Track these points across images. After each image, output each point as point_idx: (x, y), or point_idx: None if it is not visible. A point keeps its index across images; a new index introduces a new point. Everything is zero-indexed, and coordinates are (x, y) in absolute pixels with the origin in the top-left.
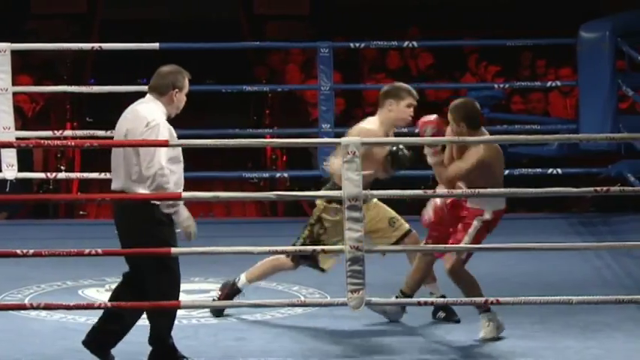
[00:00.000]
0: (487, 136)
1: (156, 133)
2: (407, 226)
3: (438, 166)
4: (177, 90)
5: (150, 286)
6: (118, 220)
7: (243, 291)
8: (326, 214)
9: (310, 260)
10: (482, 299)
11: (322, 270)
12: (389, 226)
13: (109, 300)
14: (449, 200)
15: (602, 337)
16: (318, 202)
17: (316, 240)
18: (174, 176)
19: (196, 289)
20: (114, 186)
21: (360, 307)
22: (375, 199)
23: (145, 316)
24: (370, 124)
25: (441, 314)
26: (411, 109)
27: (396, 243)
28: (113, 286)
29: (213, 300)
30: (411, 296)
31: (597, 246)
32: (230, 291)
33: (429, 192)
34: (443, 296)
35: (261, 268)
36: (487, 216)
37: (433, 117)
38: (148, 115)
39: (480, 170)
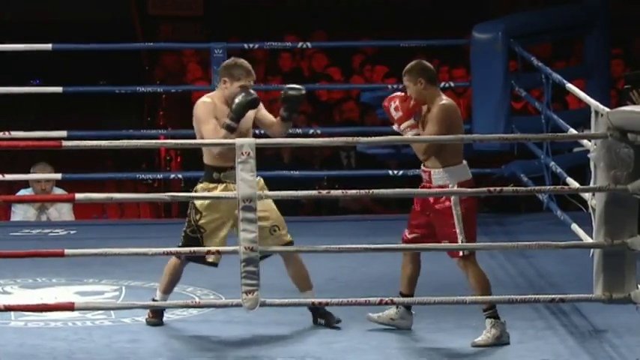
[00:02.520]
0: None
1: None
2: (288, 237)
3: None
4: None
5: None
6: None
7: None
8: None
9: (197, 259)
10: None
11: (212, 264)
12: (269, 233)
13: None
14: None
15: None
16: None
17: (195, 226)
18: None
19: (90, 291)
20: None
21: (255, 308)
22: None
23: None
24: (208, 97)
25: (321, 320)
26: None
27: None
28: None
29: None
30: (411, 295)
31: (490, 246)
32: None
33: (324, 192)
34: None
35: (165, 275)
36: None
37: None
38: None
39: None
